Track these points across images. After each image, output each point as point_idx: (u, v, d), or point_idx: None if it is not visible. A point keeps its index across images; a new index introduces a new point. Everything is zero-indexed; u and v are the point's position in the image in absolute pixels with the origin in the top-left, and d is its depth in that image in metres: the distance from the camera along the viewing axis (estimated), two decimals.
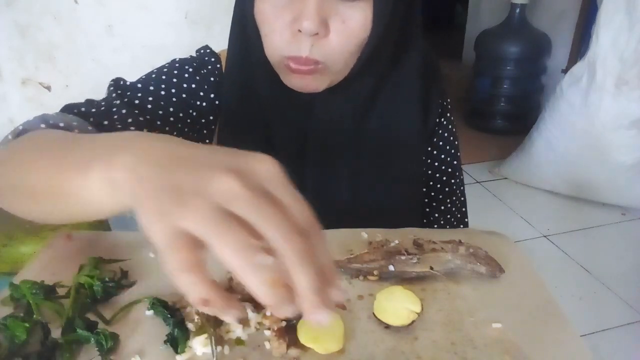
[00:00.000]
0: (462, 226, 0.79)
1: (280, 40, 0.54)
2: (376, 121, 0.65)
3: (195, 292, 0.28)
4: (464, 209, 0.79)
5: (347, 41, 0.53)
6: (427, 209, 0.76)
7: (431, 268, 0.51)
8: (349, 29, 0.52)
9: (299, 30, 0.52)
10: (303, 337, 0.43)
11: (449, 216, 0.77)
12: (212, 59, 0.67)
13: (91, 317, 0.46)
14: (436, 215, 0.76)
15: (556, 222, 2.15)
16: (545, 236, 2.07)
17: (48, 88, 1.61)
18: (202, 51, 0.68)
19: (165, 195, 0.29)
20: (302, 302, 0.28)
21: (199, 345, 0.43)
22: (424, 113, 0.68)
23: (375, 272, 0.51)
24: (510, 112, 2.86)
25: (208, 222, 0.27)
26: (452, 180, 0.75)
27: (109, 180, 0.32)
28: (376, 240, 0.55)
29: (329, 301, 0.29)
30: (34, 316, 0.45)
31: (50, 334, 0.43)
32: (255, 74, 0.62)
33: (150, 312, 0.47)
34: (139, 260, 0.54)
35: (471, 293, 0.50)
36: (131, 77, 0.68)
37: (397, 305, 0.46)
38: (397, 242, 0.54)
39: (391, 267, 0.51)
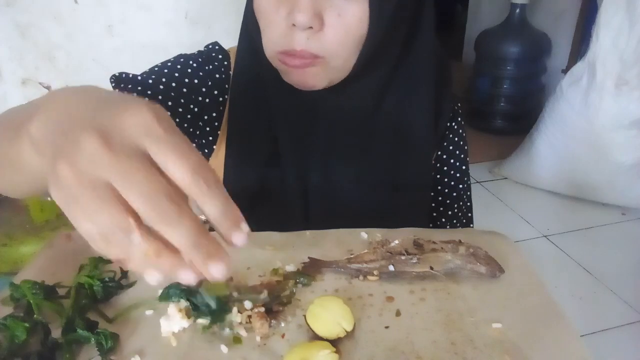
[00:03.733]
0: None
1: (275, 34, 0.54)
2: (384, 123, 0.65)
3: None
4: (469, 214, 0.79)
5: (343, 36, 0.52)
6: (435, 214, 0.76)
7: (431, 268, 0.51)
8: (345, 23, 0.52)
9: (294, 25, 0.51)
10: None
11: (455, 221, 0.77)
12: (220, 56, 0.66)
13: (92, 316, 0.46)
14: (443, 220, 0.76)
15: (556, 222, 2.15)
16: (545, 236, 2.07)
17: (48, 88, 1.61)
18: (210, 47, 0.67)
19: (49, 155, 0.29)
20: (186, 259, 0.28)
21: (175, 312, 0.44)
22: (435, 116, 0.67)
23: (375, 272, 0.51)
24: (510, 112, 2.86)
25: (72, 198, 0.27)
26: (460, 185, 0.75)
27: (29, 138, 0.31)
28: (376, 240, 0.55)
29: (217, 253, 0.28)
30: (34, 316, 0.45)
31: (50, 334, 0.43)
32: (262, 71, 0.62)
33: (150, 312, 0.47)
34: None
35: (471, 293, 0.50)
36: None
37: (330, 317, 0.44)
38: (397, 242, 0.54)
39: (391, 267, 0.51)
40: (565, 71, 2.42)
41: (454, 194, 0.75)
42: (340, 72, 0.57)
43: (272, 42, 0.55)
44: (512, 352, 0.43)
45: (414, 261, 0.51)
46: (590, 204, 2.22)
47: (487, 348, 0.44)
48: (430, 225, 0.77)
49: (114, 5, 1.53)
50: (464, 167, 0.75)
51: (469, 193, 0.77)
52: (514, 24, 2.71)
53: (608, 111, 2.05)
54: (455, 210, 0.76)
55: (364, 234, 0.59)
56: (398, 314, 0.47)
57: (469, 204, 0.78)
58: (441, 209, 0.76)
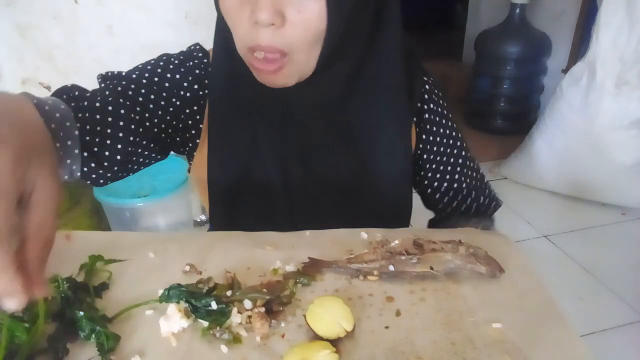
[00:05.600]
0: (494, 204, 0.77)
1: (242, 32, 0.56)
2: (355, 112, 0.66)
3: None
4: (486, 182, 0.76)
5: (304, 31, 0.54)
6: (449, 194, 0.75)
7: (431, 268, 0.51)
8: (304, 19, 0.54)
9: (256, 22, 0.54)
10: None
11: (473, 193, 0.74)
12: (200, 54, 0.70)
13: (92, 315, 0.46)
14: (461, 196, 0.74)
15: (556, 222, 2.15)
16: (545, 236, 2.07)
17: (48, 88, 1.61)
18: (192, 47, 0.71)
19: None
20: None
21: (175, 312, 0.44)
22: (409, 101, 0.68)
23: (375, 272, 0.51)
24: (510, 112, 2.86)
25: None
26: (456, 152, 0.73)
27: None
28: (376, 240, 0.55)
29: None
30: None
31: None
32: (236, 66, 0.64)
33: (150, 312, 0.47)
34: (139, 260, 0.54)
35: (471, 293, 0.50)
36: None
37: (330, 317, 0.44)
38: (397, 242, 0.54)
39: (391, 267, 0.51)
40: (565, 71, 2.41)
41: (457, 168, 0.73)
42: (306, 68, 0.59)
43: (241, 40, 0.57)
44: (512, 352, 0.43)
45: (414, 261, 0.51)
46: (590, 204, 2.22)
47: (487, 348, 0.44)
48: (450, 206, 0.75)
49: (114, 5, 1.53)
50: (454, 134, 0.73)
51: (473, 164, 0.75)
52: (514, 24, 2.71)
53: (608, 111, 2.05)
54: (468, 180, 0.74)
55: (364, 234, 0.59)
56: (398, 314, 0.47)
57: (479, 173, 0.76)
58: (446, 182, 0.74)
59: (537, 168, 2.31)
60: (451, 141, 0.73)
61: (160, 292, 0.47)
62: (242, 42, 0.57)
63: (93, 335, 0.43)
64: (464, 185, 0.75)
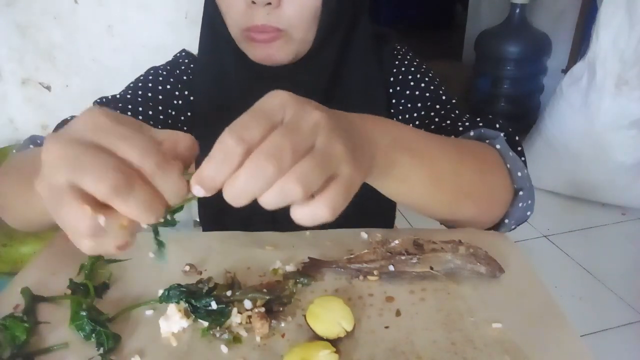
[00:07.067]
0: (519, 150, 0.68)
1: (237, 14, 0.57)
2: (341, 92, 0.66)
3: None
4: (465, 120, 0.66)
5: (300, 9, 0.55)
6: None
7: (431, 268, 0.51)
8: None
9: (253, 2, 0.54)
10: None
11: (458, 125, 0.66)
12: (186, 60, 0.71)
13: (93, 315, 0.46)
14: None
15: (556, 222, 2.15)
16: (545, 236, 2.07)
17: (48, 88, 1.61)
18: (177, 54, 0.73)
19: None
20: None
21: (175, 312, 0.44)
22: (380, 74, 0.69)
23: (375, 272, 0.51)
24: (510, 112, 2.86)
25: (53, 211, 0.30)
26: (446, 106, 0.68)
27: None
28: (376, 240, 0.55)
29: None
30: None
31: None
32: (223, 56, 0.65)
33: (150, 312, 0.47)
34: (139, 260, 0.54)
35: (471, 293, 0.50)
36: (131, 77, 0.70)
37: (330, 317, 0.44)
38: (397, 242, 0.54)
39: (391, 267, 0.51)
40: (565, 71, 2.41)
41: (437, 106, 0.67)
42: (304, 45, 0.60)
43: (236, 22, 0.58)
44: (512, 352, 0.43)
45: (414, 261, 0.51)
46: (590, 204, 2.22)
47: (487, 348, 0.44)
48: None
49: (114, 5, 1.53)
50: (440, 91, 0.69)
51: (451, 100, 0.69)
52: (514, 24, 2.71)
53: (608, 111, 2.05)
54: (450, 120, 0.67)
55: (364, 234, 0.59)
56: (398, 314, 0.47)
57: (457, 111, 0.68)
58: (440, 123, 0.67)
59: (537, 168, 2.31)
60: (435, 96, 0.68)
61: (160, 292, 0.47)
62: (237, 25, 0.58)
63: (93, 335, 0.43)
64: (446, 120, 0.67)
